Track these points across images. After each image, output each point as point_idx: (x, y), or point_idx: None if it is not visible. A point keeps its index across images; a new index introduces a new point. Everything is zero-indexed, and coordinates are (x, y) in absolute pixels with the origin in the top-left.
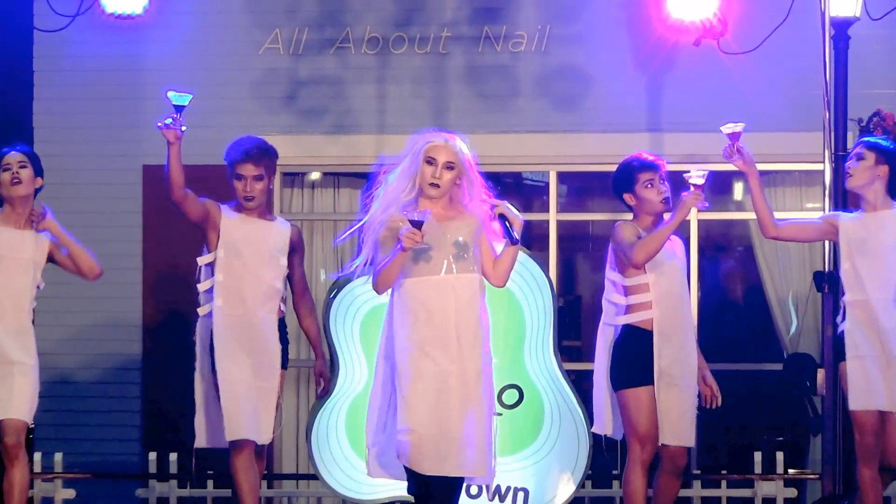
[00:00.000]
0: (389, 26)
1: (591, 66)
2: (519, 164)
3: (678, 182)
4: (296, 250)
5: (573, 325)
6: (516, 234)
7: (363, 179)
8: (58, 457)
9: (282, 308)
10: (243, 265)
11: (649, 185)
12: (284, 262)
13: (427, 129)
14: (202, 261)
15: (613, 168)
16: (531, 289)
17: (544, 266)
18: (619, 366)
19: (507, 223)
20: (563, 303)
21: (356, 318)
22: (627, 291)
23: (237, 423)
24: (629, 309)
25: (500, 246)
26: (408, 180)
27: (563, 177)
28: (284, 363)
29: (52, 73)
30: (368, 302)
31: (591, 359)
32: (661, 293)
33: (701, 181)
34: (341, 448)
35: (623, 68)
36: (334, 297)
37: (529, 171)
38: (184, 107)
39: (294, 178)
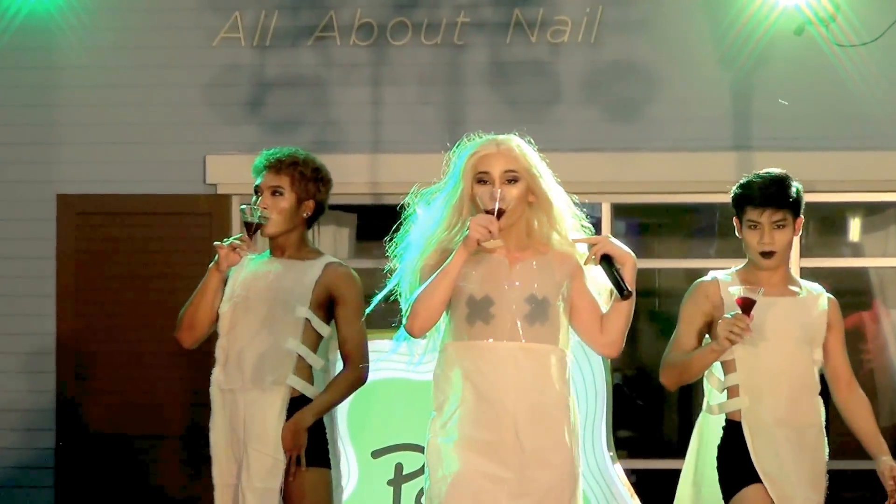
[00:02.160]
0: (387, 9)
1: (657, 63)
2: (567, 192)
3: None
4: (337, 301)
5: (633, 410)
6: (628, 283)
7: (352, 213)
8: None
9: (301, 386)
10: (249, 319)
11: (752, 226)
12: (304, 313)
13: (469, 137)
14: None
15: (686, 198)
16: (577, 361)
17: None
18: (722, 472)
19: (613, 267)
20: (621, 379)
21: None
22: (724, 367)
23: None
24: (728, 393)
25: (604, 294)
26: (453, 213)
27: (619, 210)
28: (313, 458)
29: None
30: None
31: (660, 454)
32: (750, 373)
33: (752, 299)
34: None
35: (700, 66)
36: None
37: (574, 202)
38: (257, 226)
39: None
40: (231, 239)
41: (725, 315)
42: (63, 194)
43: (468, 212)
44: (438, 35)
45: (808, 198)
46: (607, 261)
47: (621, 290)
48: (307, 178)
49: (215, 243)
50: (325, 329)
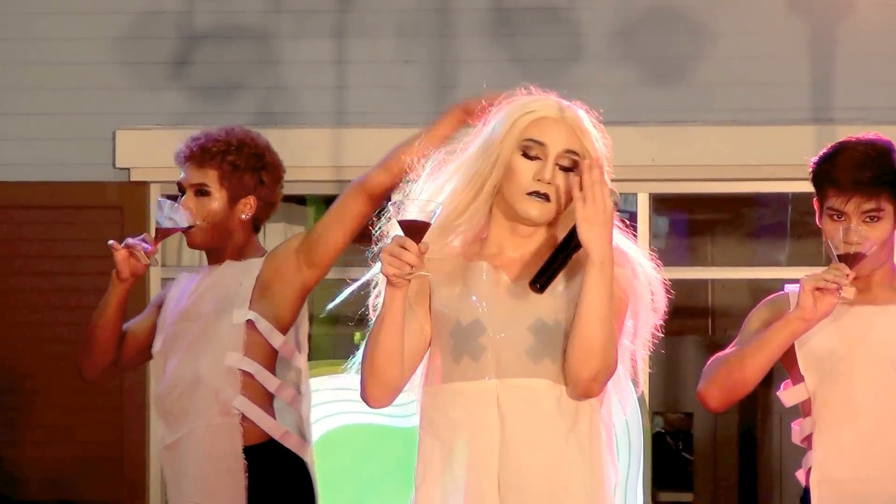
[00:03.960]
0: None
1: (710, 10)
2: None
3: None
4: (278, 265)
5: (681, 464)
6: (589, 306)
7: (307, 208)
8: None
9: (256, 416)
10: (183, 348)
11: (835, 217)
12: (243, 316)
13: (523, 89)
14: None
15: (750, 187)
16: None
17: None
18: None
19: (568, 242)
20: (663, 425)
21: None
22: (803, 410)
23: None
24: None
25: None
26: (470, 185)
27: (661, 202)
28: None
29: None
30: (329, 417)
31: None
32: (828, 414)
33: (860, 253)
34: None
35: (766, 13)
36: None
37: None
38: (172, 230)
39: None
40: (132, 240)
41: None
42: None
43: (492, 187)
44: None
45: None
46: (573, 231)
47: (539, 275)
48: (242, 168)
49: (109, 242)
50: (276, 337)
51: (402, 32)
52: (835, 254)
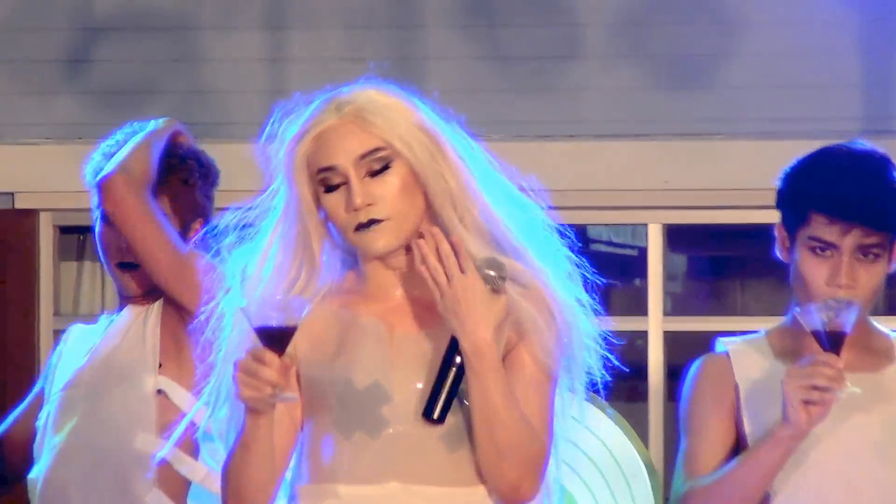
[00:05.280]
0: None
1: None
2: (579, 206)
3: None
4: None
5: None
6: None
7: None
8: None
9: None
10: (68, 424)
11: (818, 250)
12: (152, 384)
13: (291, 102)
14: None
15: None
16: (610, 480)
17: (639, 428)
18: None
19: (451, 349)
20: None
21: None
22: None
23: None
24: None
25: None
26: (289, 253)
27: (676, 235)
28: None
29: None
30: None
31: None
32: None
33: (842, 332)
34: None
35: (809, 2)
36: None
37: (605, 222)
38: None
39: (85, 239)
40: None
41: (798, 362)
42: None
43: (318, 239)
44: None
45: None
46: (448, 349)
47: (430, 403)
48: (194, 184)
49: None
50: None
51: (353, 24)
52: (816, 328)
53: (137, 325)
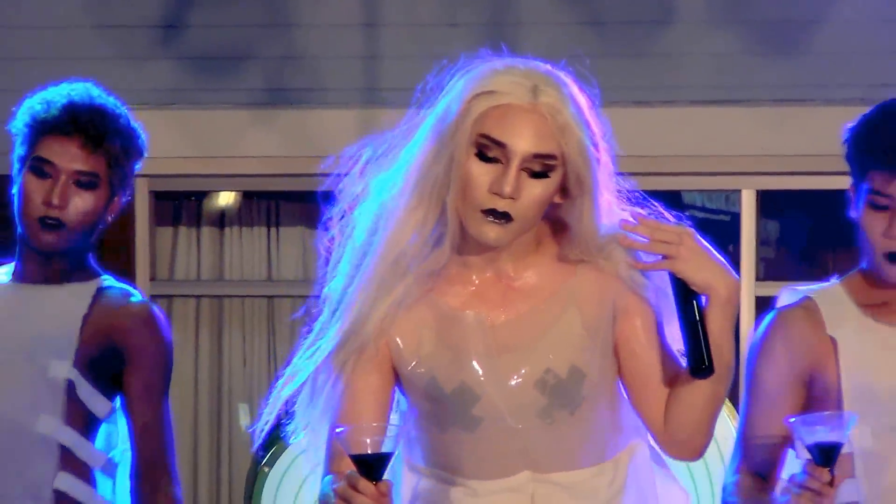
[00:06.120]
0: None
1: None
2: (674, 172)
3: None
4: (127, 357)
5: None
6: (714, 344)
7: (336, 208)
8: None
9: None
10: None
11: (876, 206)
12: (63, 373)
13: (479, 54)
14: None
15: None
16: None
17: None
18: None
19: (690, 302)
20: None
21: None
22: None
23: None
24: None
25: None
26: (418, 192)
27: (771, 201)
28: None
29: None
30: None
31: None
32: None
33: (835, 442)
34: None
35: None
36: (269, 464)
37: (700, 187)
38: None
39: (181, 206)
40: None
41: (793, 474)
42: None
43: (457, 194)
44: None
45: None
46: (679, 290)
47: (699, 361)
48: (131, 156)
49: None
50: (100, 403)
51: None
52: (808, 444)
53: (60, 302)
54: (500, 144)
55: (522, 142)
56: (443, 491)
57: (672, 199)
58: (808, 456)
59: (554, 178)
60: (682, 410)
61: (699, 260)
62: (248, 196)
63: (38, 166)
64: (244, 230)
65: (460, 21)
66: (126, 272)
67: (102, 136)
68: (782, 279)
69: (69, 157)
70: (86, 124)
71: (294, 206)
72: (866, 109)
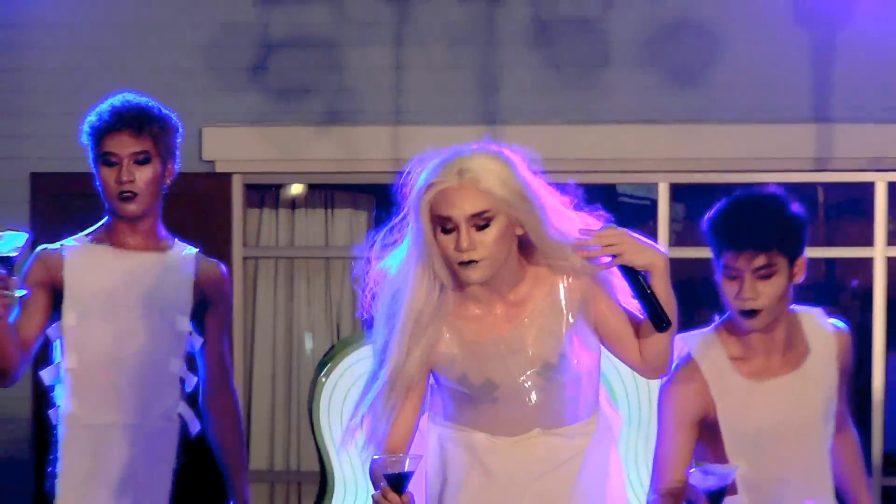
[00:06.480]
0: None
1: (722, 22)
2: (611, 171)
3: (851, 201)
4: (212, 303)
5: None
6: (663, 302)
7: (370, 195)
8: None
9: (189, 417)
10: (108, 337)
11: (728, 276)
12: (185, 325)
13: (426, 154)
14: (52, 334)
15: (756, 178)
16: (619, 373)
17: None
18: None
19: (640, 283)
20: None
21: None
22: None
23: None
24: None
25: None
26: (422, 275)
27: (679, 191)
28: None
29: None
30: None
31: None
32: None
33: (717, 488)
34: None
35: (773, 26)
36: (326, 375)
37: (627, 181)
38: (14, 257)
39: (264, 194)
40: None
41: None
42: (37, 173)
43: (438, 261)
44: None
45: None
46: (629, 273)
47: (659, 320)
48: (169, 132)
49: None
50: (196, 343)
51: (452, 41)
52: (700, 489)
53: (173, 269)
54: (447, 218)
55: (459, 210)
56: (467, 437)
57: (610, 190)
58: (704, 498)
59: (497, 223)
60: (654, 350)
61: (637, 249)
62: (311, 187)
63: (106, 158)
64: (308, 211)
65: (460, 64)
66: (226, 241)
67: (143, 124)
68: (686, 245)
69: (123, 145)
70: (129, 119)
71: (344, 194)
72: (745, 127)
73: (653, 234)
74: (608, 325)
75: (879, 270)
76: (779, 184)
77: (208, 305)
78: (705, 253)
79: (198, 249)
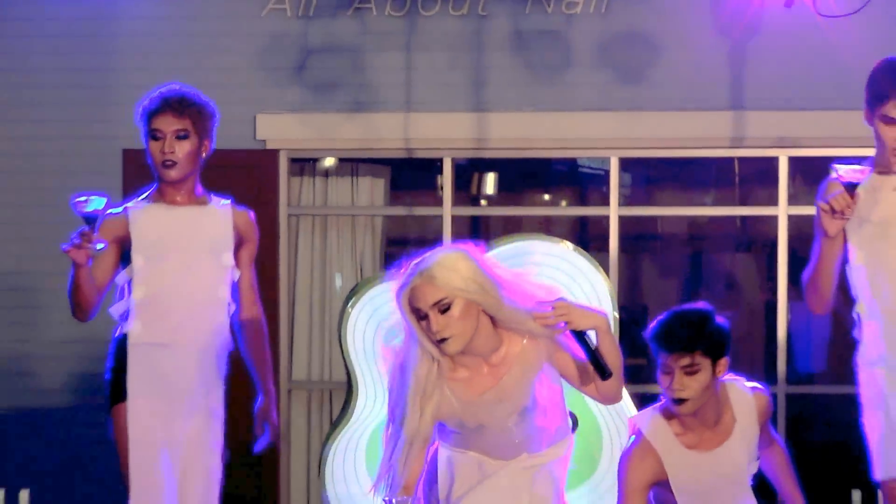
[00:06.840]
0: None
1: (661, 32)
2: (573, 147)
3: (760, 172)
4: (245, 241)
5: (637, 341)
6: (607, 357)
7: (386, 167)
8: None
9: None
10: (169, 273)
11: (664, 371)
12: (229, 260)
13: (399, 267)
14: (120, 279)
15: (686, 153)
16: (586, 298)
17: (603, 271)
18: None
19: (586, 343)
20: (625, 315)
21: (378, 333)
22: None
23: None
24: None
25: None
26: (417, 346)
27: (626, 164)
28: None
29: (8, 39)
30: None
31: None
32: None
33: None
34: (361, 487)
35: (699, 35)
36: (352, 306)
37: (586, 156)
38: (97, 216)
39: (304, 165)
40: (73, 239)
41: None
42: (128, 149)
43: (428, 342)
44: (465, 6)
45: (796, 153)
46: (577, 335)
47: (602, 371)
48: (206, 116)
49: (62, 247)
50: (236, 275)
51: (450, 48)
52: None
53: (214, 216)
54: (419, 309)
55: (424, 302)
56: (470, 458)
57: (573, 163)
58: None
59: (457, 305)
60: (605, 388)
61: (583, 315)
62: (340, 160)
63: (153, 134)
64: (338, 179)
65: (457, 66)
66: (274, 203)
67: (184, 107)
68: (633, 205)
69: (167, 123)
70: (172, 102)
71: (366, 166)
72: (677, 114)
73: (605, 198)
74: (568, 371)
75: (783, 226)
76: (703, 158)
77: (242, 243)
78: (645, 212)
79: (230, 200)
